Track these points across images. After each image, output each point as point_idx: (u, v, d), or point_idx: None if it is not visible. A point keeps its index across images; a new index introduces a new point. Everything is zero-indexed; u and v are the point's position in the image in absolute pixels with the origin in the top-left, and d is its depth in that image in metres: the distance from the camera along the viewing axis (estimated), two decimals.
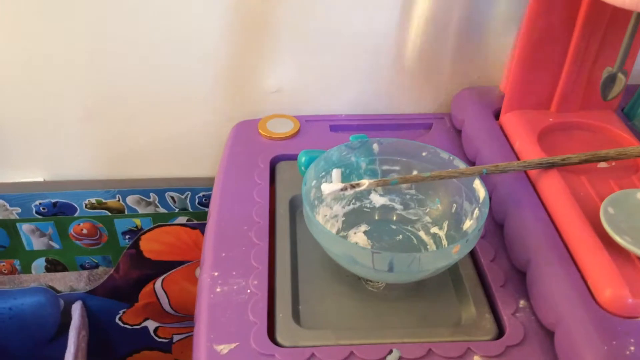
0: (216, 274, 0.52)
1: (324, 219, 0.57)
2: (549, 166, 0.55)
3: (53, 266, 0.90)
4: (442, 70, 0.75)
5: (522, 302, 0.50)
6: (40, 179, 0.82)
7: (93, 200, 0.83)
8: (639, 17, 0.51)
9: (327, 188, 0.53)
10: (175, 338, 0.90)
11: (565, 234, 0.50)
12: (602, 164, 0.57)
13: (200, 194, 0.84)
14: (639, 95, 0.67)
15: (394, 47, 0.72)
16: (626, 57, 0.54)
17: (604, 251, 0.46)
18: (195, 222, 0.85)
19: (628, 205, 0.49)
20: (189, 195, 0.84)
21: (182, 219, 0.86)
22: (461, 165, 0.55)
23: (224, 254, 0.54)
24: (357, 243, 0.56)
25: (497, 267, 0.53)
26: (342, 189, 0.52)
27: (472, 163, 0.65)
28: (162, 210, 0.85)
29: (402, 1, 0.68)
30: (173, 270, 0.84)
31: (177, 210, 0.85)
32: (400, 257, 0.48)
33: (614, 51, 0.60)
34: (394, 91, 0.76)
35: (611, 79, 0.56)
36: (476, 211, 0.52)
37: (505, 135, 0.64)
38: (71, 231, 0.86)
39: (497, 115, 0.67)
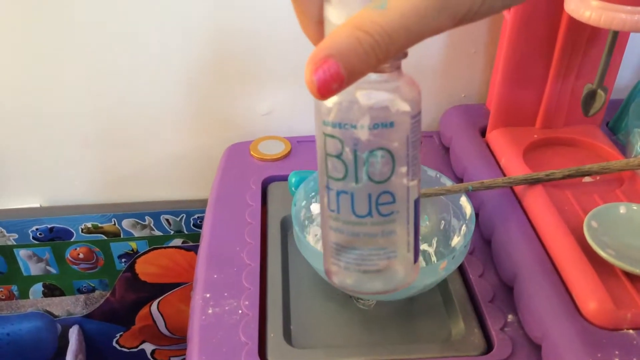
0: (208, 295, 0.53)
1: (315, 238, 0.57)
2: (533, 182, 0.56)
3: (50, 291, 0.91)
4: (430, 89, 0.76)
5: (510, 317, 0.50)
6: (37, 205, 0.83)
7: (89, 225, 0.84)
8: (615, 35, 0.52)
9: (317, 208, 0.53)
10: None
11: (551, 249, 0.50)
12: (587, 179, 0.58)
13: (195, 216, 0.85)
14: (622, 109, 0.69)
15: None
16: (605, 74, 0.55)
17: (588, 265, 0.47)
18: (191, 243, 0.86)
19: (611, 219, 0.50)
20: (184, 218, 0.84)
21: (177, 241, 0.86)
22: (448, 183, 0.56)
23: (215, 276, 0.55)
24: None
25: (486, 283, 0.54)
26: None
27: (460, 180, 0.66)
28: (157, 232, 0.86)
29: None
30: (169, 293, 0.85)
31: (172, 232, 0.86)
32: None
33: (595, 68, 0.61)
34: None
35: (591, 96, 0.57)
36: (463, 227, 0.53)
37: (492, 152, 0.65)
38: (68, 256, 0.87)
39: (483, 133, 0.68)
